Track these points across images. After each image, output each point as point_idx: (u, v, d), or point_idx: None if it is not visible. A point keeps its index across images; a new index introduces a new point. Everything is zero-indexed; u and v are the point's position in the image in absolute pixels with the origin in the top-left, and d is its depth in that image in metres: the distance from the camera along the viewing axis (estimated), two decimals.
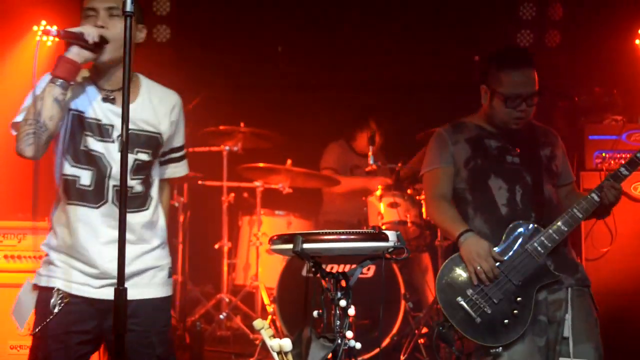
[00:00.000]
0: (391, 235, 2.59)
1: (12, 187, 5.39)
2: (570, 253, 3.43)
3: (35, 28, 6.30)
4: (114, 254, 2.56)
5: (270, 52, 6.45)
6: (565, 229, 3.26)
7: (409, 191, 5.41)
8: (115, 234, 2.59)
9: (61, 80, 2.49)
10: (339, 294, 2.69)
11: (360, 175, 6.03)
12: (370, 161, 5.23)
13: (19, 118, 2.57)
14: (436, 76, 6.27)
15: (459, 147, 3.46)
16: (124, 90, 2.22)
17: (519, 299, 3.24)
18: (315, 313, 2.73)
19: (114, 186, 2.68)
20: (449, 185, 3.49)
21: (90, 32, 2.52)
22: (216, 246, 5.70)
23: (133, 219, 2.72)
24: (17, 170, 5.00)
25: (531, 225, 3.30)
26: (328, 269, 2.73)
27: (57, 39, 2.51)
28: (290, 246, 2.58)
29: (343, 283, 2.73)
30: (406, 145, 5.77)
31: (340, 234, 2.60)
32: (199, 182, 5.79)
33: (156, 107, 2.78)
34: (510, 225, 3.32)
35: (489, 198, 3.38)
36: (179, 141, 2.92)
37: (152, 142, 2.77)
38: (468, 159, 3.45)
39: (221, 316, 5.50)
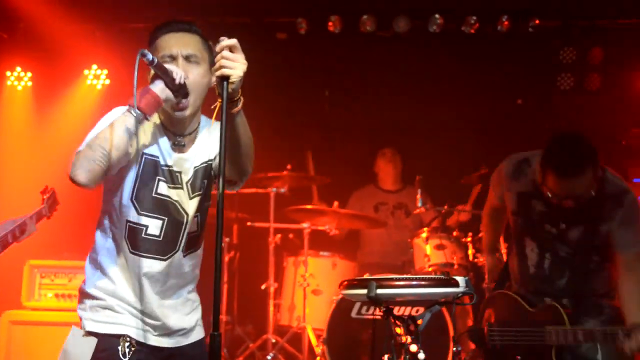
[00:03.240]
0: (461, 281, 2.65)
1: (61, 227, 5.51)
2: (598, 297, 3.51)
3: (86, 72, 6.50)
4: (176, 308, 2.61)
5: (317, 96, 6.57)
6: (582, 339, 3.26)
7: (454, 233, 5.45)
8: (178, 283, 2.59)
9: (139, 112, 2.35)
10: (409, 339, 2.73)
11: (385, 211, 6.16)
12: (419, 204, 5.31)
13: (83, 147, 2.40)
14: (479, 120, 6.35)
15: (510, 195, 3.62)
16: (219, 177, 2.18)
17: None
18: (385, 358, 2.76)
19: (188, 234, 2.59)
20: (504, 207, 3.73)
21: (178, 72, 2.42)
22: (263, 287, 5.75)
23: (190, 260, 2.64)
24: (66, 210, 5.08)
25: (561, 315, 3.36)
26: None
27: (150, 68, 2.35)
28: (363, 291, 2.64)
29: (411, 327, 2.77)
30: (449, 189, 5.85)
31: (412, 279, 2.66)
32: (248, 223, 5.88)
33: (210, 135, 2.65)
34: (548, 303, 3.46)
35: (523, 251, 3.60)
36: None
37: (209, 169, 2.65)
38: (514, 211, 3.63)
39: (268, 357, 5.51)
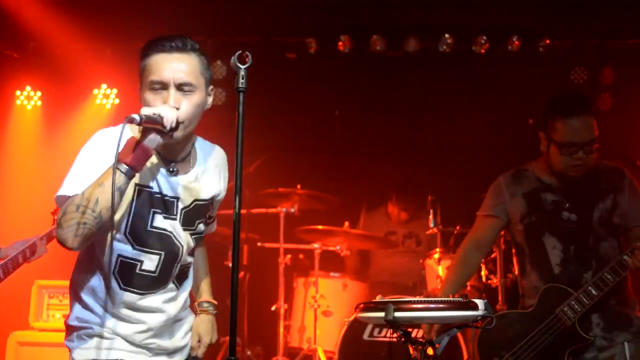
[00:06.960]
0: (480, 304, 2.60)
1: None
2: (624, 308, 3.41)
3: (95, 91, 6.49)
4: (172, 332, 2.56)
5: (327, 115, 6.55)
6: (595, 293, 3.24)
7: None
8: (173, 313, 2.52)
9: (129, 169, 2.19)
10: None
11: (395, 241, 6.08)
12: (431, 224, 5.27)
13: (67, 191, 2.26)
14: (492, 140, 6.31)
15: (515, 200, 3.52)
16: (235, 197, 2.15)
17: None
18: None
19: (181, 266, 2.52)
20: (490, 235, 3.62)
21: (169, 117, 2.22)
22: (273, 308, 5.69)
23: (183, 291, 2.62)
24: None
25: (563, 289, 3.32)
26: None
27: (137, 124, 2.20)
28: (380, 314, 2.59)
29: (429, 351, 2.72)
30: (462, 209, 5.78)
31: (430, 302, 2.61)
32: (258, 244, 5.83)
33: (212, 171, 2.59)
34: (544, 288, 3.36)
35: (544, 256, 3.44)
36: (223, 195, 2.68)
37: (207, 209, 2.58)
38: (524, 215, 3.50)
39: None
